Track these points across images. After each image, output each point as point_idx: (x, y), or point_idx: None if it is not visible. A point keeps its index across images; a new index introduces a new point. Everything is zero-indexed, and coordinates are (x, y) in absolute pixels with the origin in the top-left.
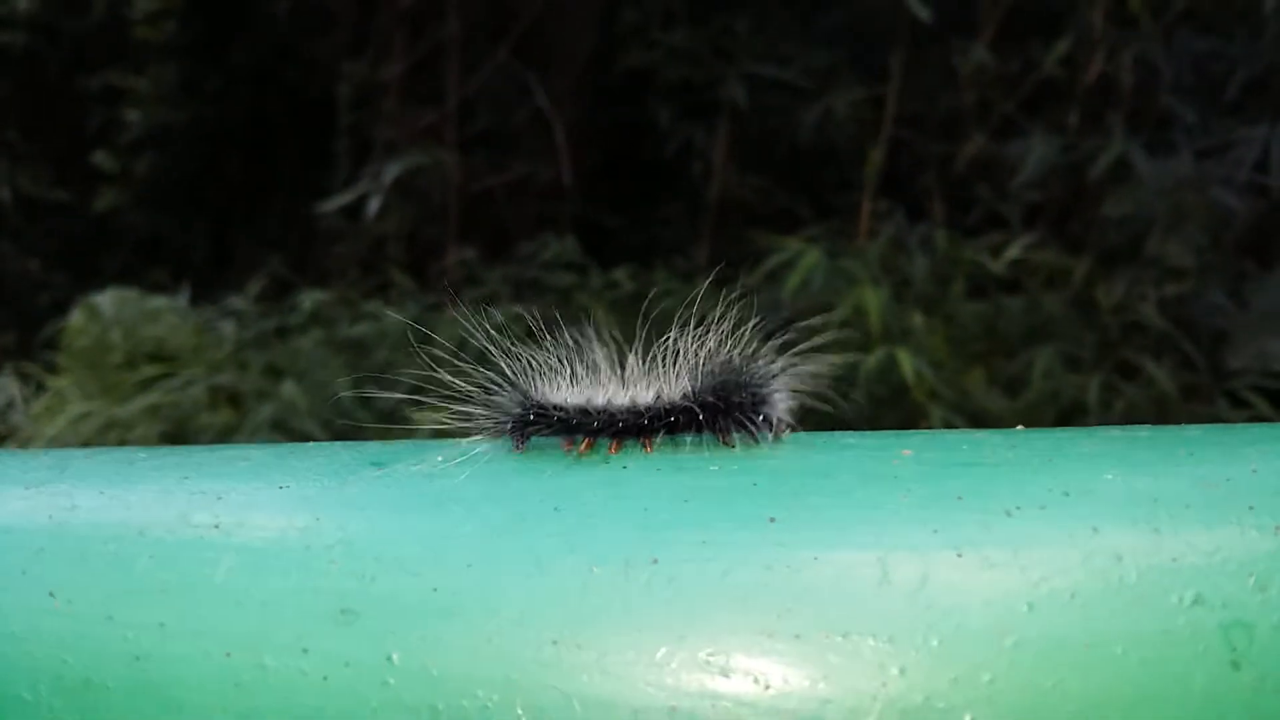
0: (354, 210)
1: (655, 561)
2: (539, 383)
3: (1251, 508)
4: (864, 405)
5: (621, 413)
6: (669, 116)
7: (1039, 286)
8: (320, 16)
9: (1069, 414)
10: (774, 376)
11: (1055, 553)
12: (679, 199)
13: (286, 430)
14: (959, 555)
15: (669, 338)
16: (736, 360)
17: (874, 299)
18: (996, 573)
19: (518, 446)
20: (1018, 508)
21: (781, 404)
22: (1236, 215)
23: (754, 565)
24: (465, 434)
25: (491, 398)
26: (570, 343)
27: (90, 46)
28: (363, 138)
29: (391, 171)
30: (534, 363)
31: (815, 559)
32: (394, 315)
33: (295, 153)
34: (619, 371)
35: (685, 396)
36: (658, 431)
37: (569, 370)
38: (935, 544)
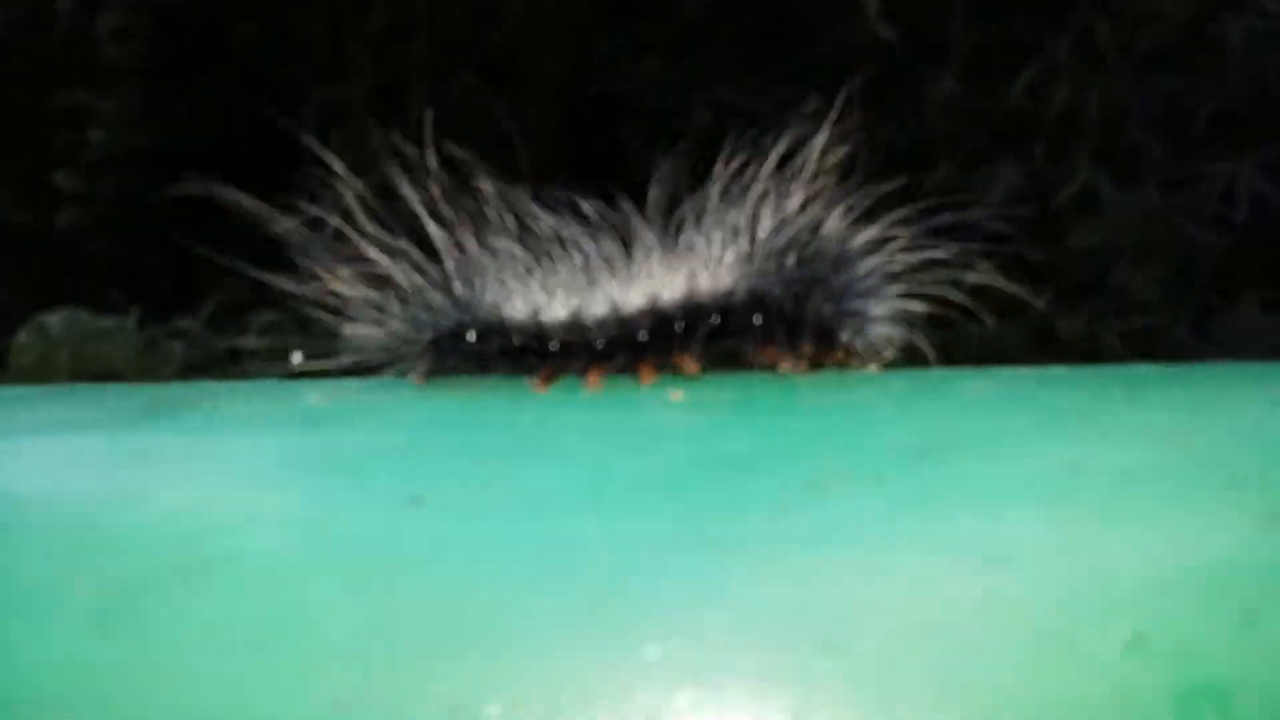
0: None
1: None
2: (479, 284)
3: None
4: None
5: (638, 319)
6: (639, 144)
7: (998, 315)
8: (291, 40)
9: None
10: (872, 268)
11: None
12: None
13: None
14: None
15: (711, 200)
16: (818, 238)
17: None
18: None
19: (419, 376)
20: None
21: (882, 310)
22: (1202, 249)
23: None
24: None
25: (401, 303)
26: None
27: (56, 66)
28: (327, 161)
29: (352, 195)
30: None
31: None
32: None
33: (261, 175)
34: (619, 261)
35: (734, 291)
36: (691, 345)
37: (520, 266)
38: None
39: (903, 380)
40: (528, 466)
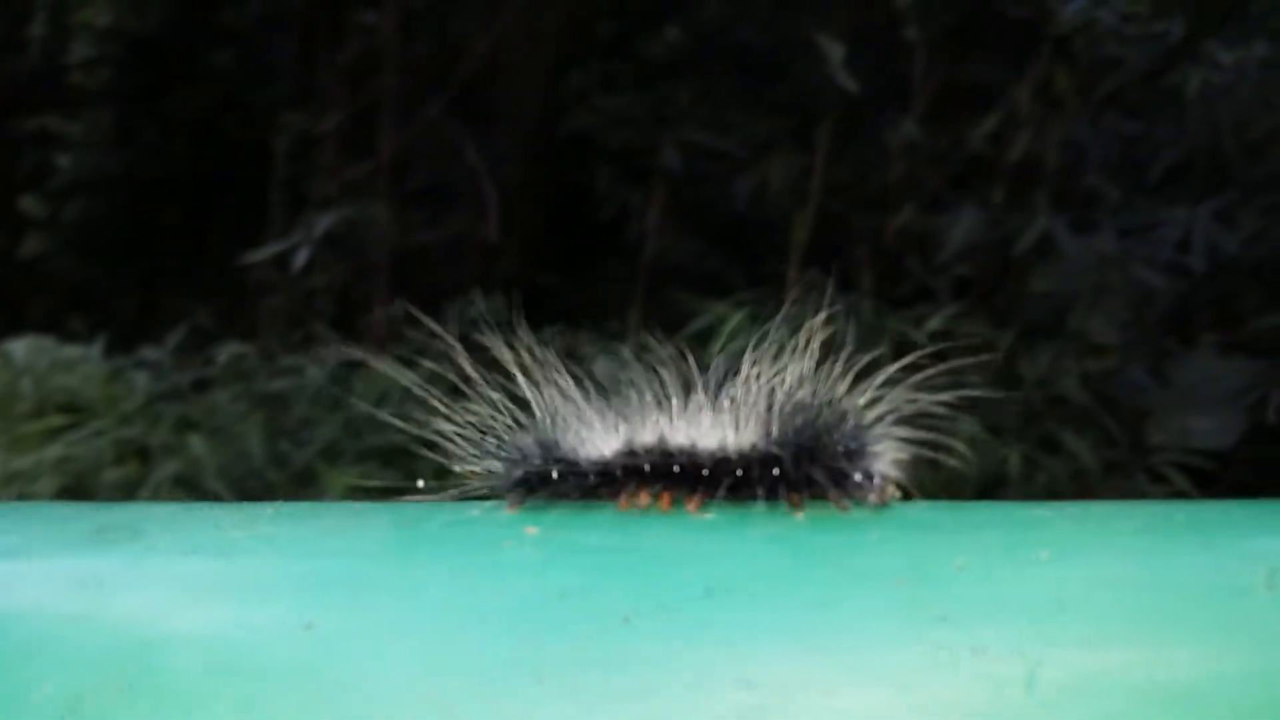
0: (287, 264)
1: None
2: (553, 426)
3: None
4: None
5: (681, 454)
6: (608, 180)
7: (963, 358)
8: (262, 68)
9: (990, 485)
10: (874, 423)
11: None
12: (617, 261)
13: (192, 487)
14: None
15: (734, 374)
16: (825, 401)
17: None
18: None
19: (513, 506)
20: None
21: (886, 456)
22: (1158, 294)
23: None
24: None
25: (496, 446)
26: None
27: (25, 90)
28: (299, 190)
29: (322, 224)
30: (543, 400)
31: None
32: (315, 369)
33: (230, 204)
34: (662, 413)
35: (758, 444)
36: (720, 485)
37: (590, 413)
38: None
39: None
40: (390, 597)
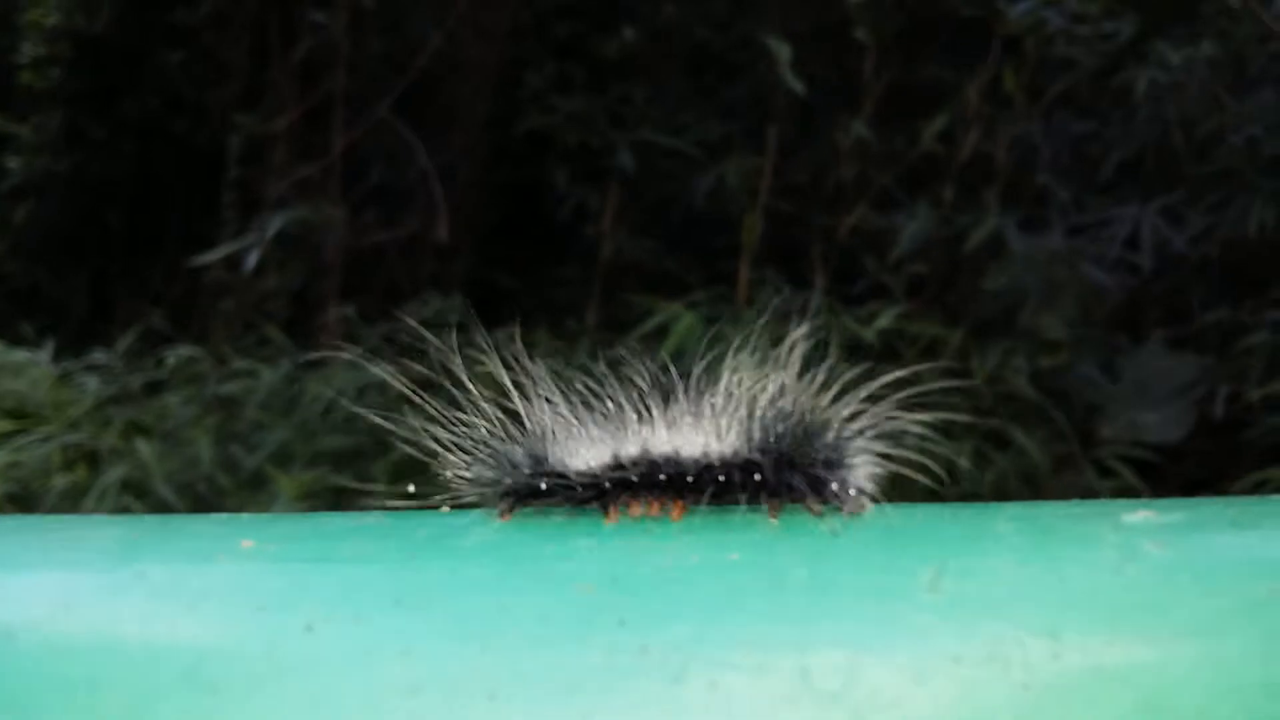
0: (239, 265)
1: None
2: (541, 438)
3: None
4: None
5: (664, 463)
6: (565, 180)
7: (915, 356)
8: (213, 68)
9: (938, 481)
10: (854, 434)
11: None
12: (574, 261)
13: (140, 493)
14: None
15: (719, 381)
16: (806, 410)
17: (747, 363)
18: None
19: (505, 515)
20: None
21: (863, 468)
22: (1108, 290)
23: None
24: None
25: (486, 456)
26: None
27: None
28: (251, 191)
29: (274, 225)
30: (529, 411)
31: None
32: (268, 372)
33: (182, 205)
34: (644, 421)
35: (740, 451)
36: (703, 491)
37: (577, 422)
38: None
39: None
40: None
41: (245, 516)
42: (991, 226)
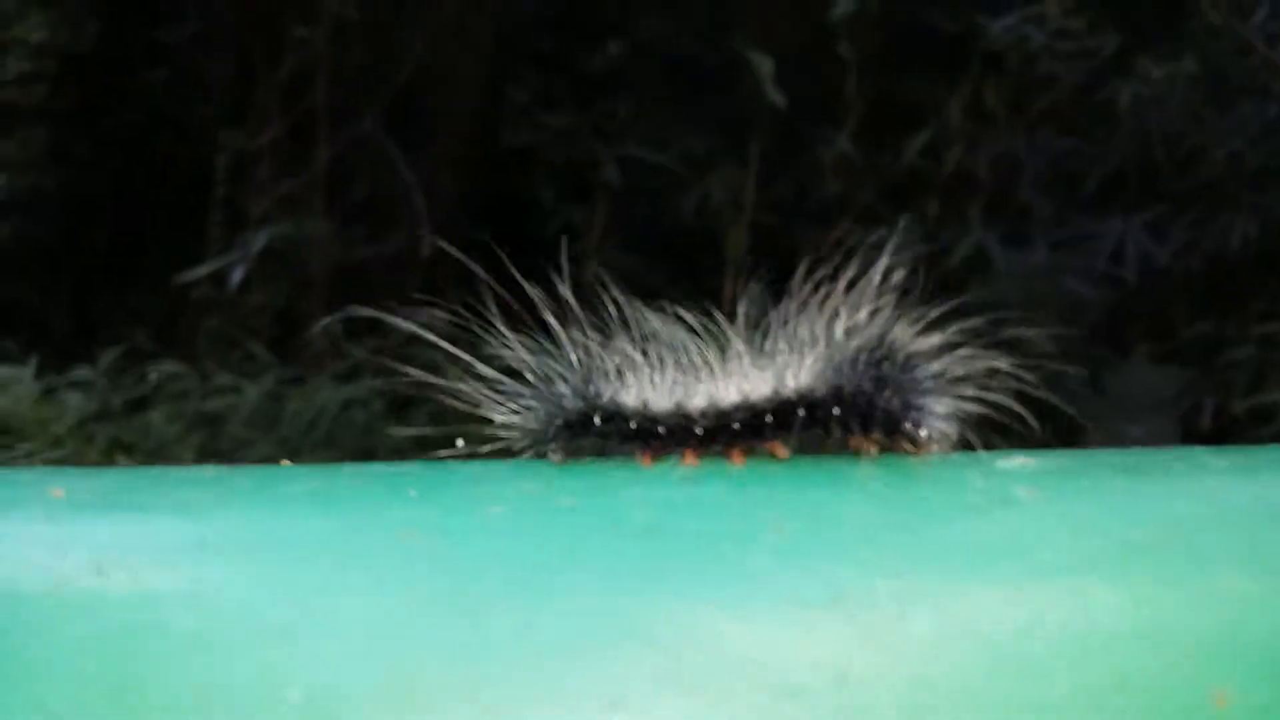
0: (224, 282)
1: None
2: (601, 376)
3: None
4: None
5: (733, 411)
6: (551, 195)
7: None
8: (198, 85)
9: None
10: (936, 372)
11: None
12: (559, 276)
13: None
14: None
15: (791, 312)
16: (888, 344)
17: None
18: None
19: (559, 457)
20: None
21: (942, 408)
22: (1092, 304)
23: None
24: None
25: (535, 394)
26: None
27: None
28: (237, 208)
29: (258, 241)
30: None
31: None
32: (252, 388)
33: (168, 223)
34: (706, 364)
35: (815, 389)
36: (779, 434)
37: (634, 363)
38: None
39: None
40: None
41: (70, 469)
42: (975, 241)
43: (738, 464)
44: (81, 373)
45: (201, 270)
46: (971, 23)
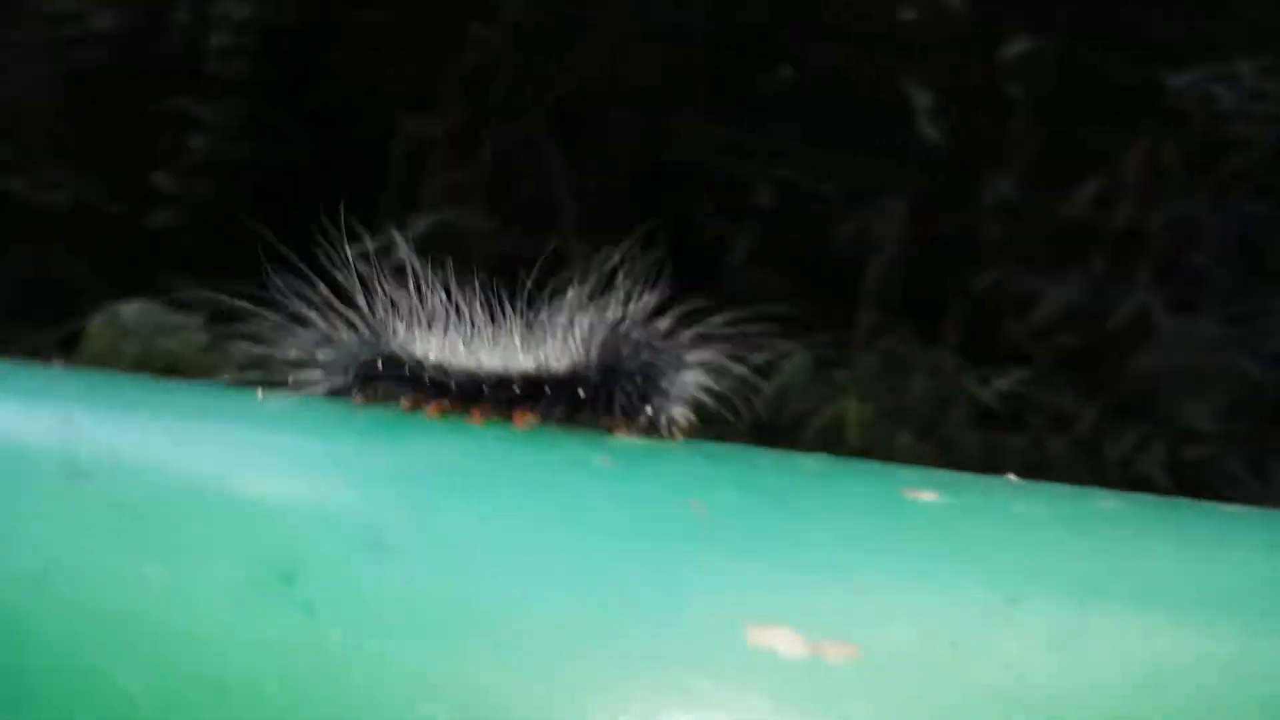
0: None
1: None
2: (395, 328)
3: None
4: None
5: (489, 377)
6: (707, 211)
7: (1044, 427)
8: (386, 70)
9: None
10: (680, 362)
11: None
12: (707, 292)
13: None
14: None
15: (562, 300)
16: (635, 334)
17: (854, 411)
18: None
19: (357, 397)
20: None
21: (681, 395)
22: (1265, 386)
23: None
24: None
25: (333, 339)
26: (445, 293)
27: (166, 73)
28: (410, 193)
29: (419, 227)
30: (395, 306)
31: None
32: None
33: (345, 202)
34: (496, 331)
35: (571, 369)
36: (530, 405)
37: (437, 321)
38: None
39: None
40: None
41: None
42: (1139, 303)
43: (519, 425)
44: (245, 326)
45: (364, 247)
46: (1151, 75)
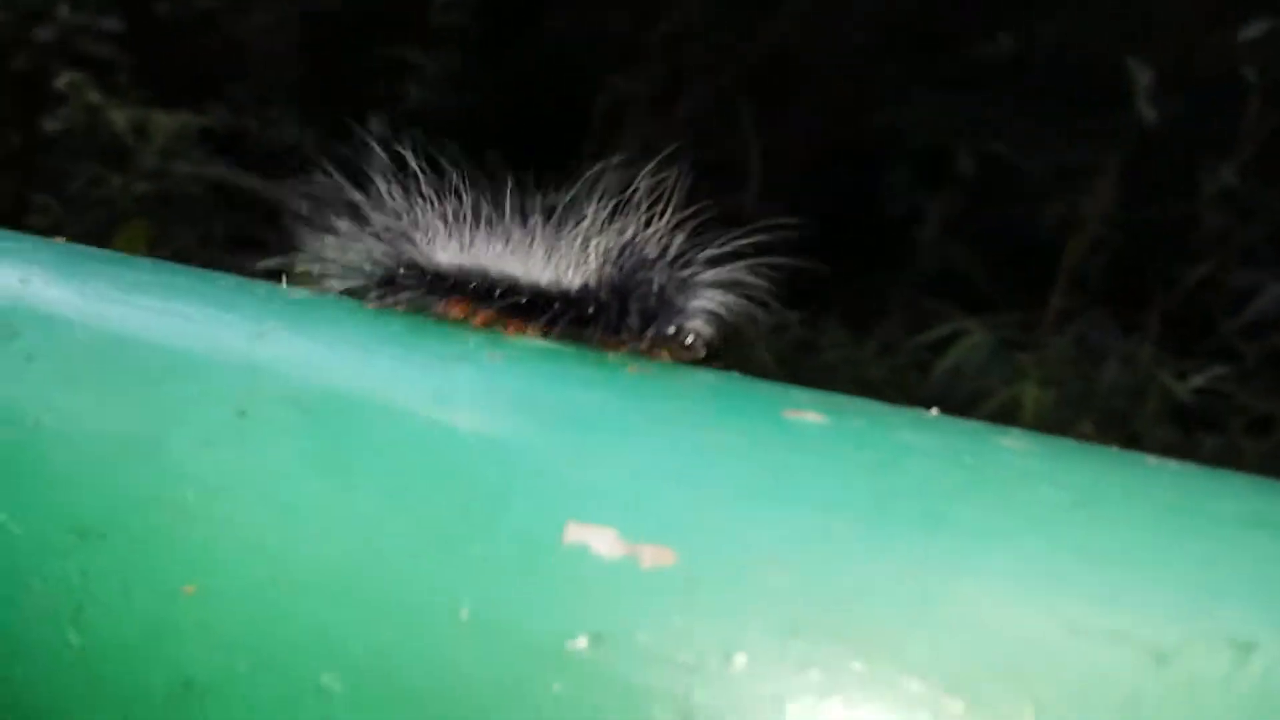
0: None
1: None
2: (415, 235)
3: None
4: None
5: (501, 282)
6: (905, 180)
7: (1242, 429)
8: (594, 31)
9: None
10: (698, 280)
11: None
12: (894, 262)
13: None
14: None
15: (584, 214)
16: (654, 251)
17: (1032, 396)
18: None
19: (372, 300)
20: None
21: (699, 315)
22: None
23: None
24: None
25: (352, 244)
26: (466, 194)
27: (386, 22)
28: (607, 151)
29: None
30: (414, 210)
31: None
32: None
33: (547, 158)
34: (516, 240)
35: (587, 284)
36: (548, 318)
37: (457, 224)
38: None
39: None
40: None
41: None
42: None
43: (510, 334)
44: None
45: (559, 201)
46: None
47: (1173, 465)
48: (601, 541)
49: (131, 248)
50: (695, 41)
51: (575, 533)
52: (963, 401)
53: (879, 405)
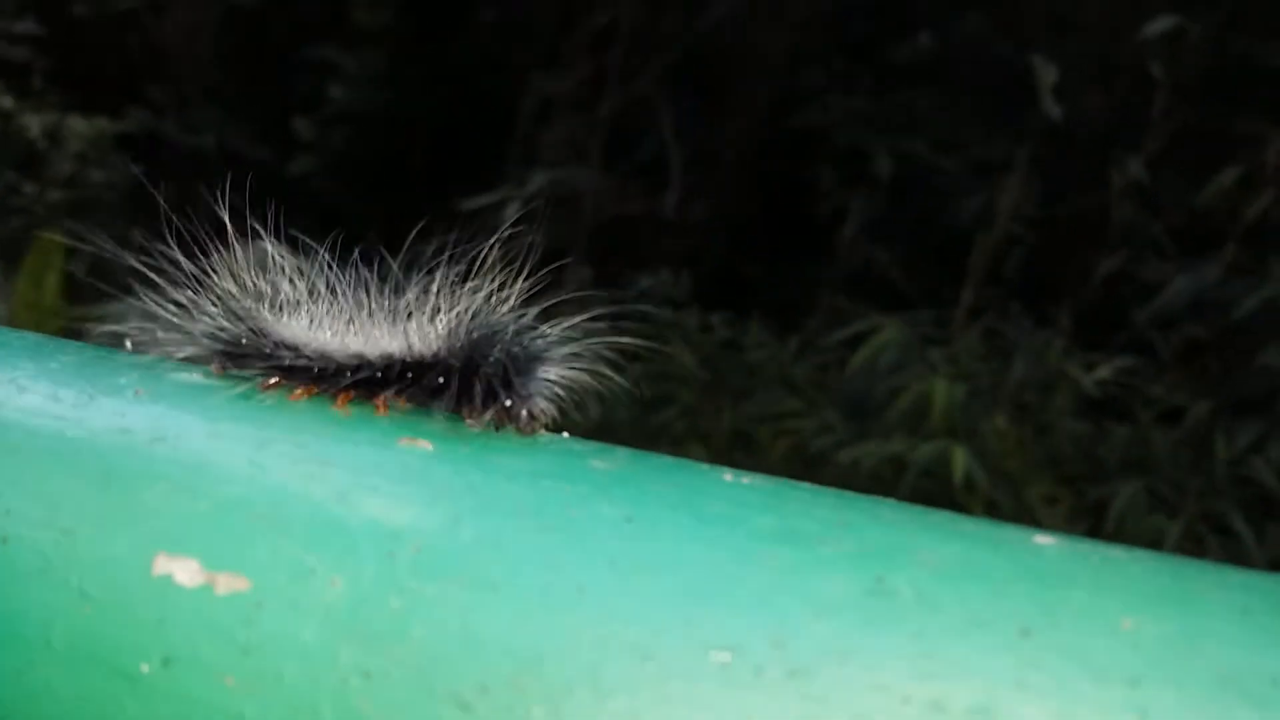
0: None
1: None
2: (261, 309)
3: None
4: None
5: (350, 361)
6: (831, 179)
7: (1153, 420)
8: (522, 28)
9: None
10: (546, 352)
11: None
12: (823, 261)
13: None
14: None
15: (432, 283)
16: (504, 322)
17: (942, 390)
18: None
19: (220, 369)
20: None
21: (545, 388)
22: None
23: None
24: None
25: (198, 315)
26: (319, 272)
27: (310, 23)
28: (533, 150)
29: (535, 182)
30: (265, 288)
31: None
32: None
33: (472, 155)
34: (364, 313)
35: (437, 354)
36: (395, 390)
37: (305, 302)
38: None
39: None
40: None
41: None
42: (1269, 294)
43: (381, 413)
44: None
45: (482, 200)
46: None
47: None
48: (184, 571)
49: (46, 262)
50: (619, 42)
51: (164, 564)
52: (879, 398)
53: (496, 438)
